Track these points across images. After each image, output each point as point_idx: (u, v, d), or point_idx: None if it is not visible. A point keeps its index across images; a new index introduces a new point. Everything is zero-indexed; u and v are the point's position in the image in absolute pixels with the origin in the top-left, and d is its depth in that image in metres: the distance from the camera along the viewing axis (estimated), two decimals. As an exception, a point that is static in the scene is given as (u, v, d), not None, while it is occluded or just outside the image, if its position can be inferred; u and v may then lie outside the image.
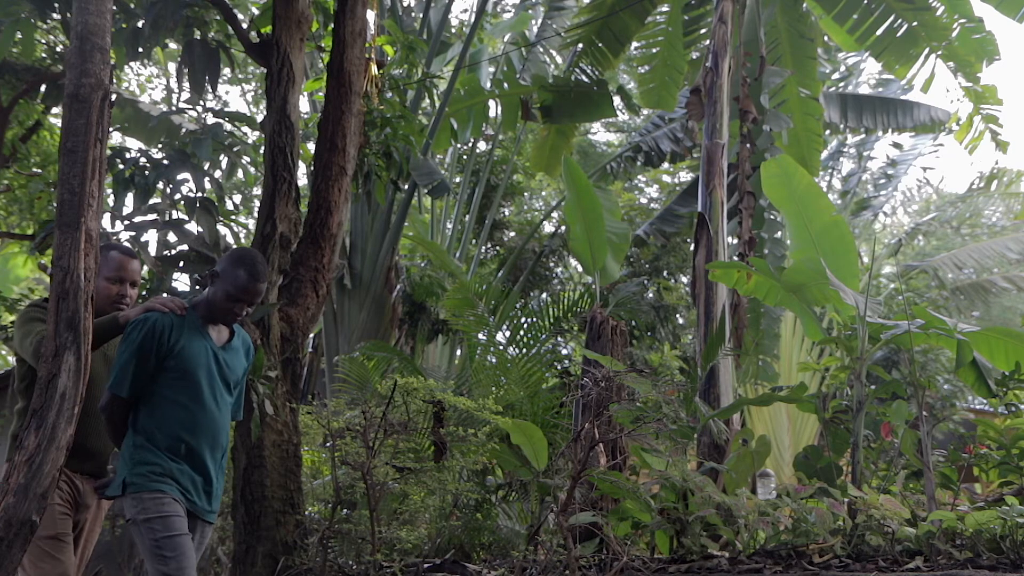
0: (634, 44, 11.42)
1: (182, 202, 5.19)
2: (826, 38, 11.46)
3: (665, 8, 10.66)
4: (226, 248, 5.28)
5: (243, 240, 15.27)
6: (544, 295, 15.19)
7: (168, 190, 5.19)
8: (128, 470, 3.13)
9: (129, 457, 3.15)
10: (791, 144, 10.27)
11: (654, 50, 10.84)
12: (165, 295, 3.39)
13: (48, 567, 3.23)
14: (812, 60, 10.38)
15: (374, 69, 6.66)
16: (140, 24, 6.29)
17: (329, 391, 9.13)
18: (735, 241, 9.53)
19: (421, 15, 13.02)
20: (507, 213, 17.22)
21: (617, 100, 13.42)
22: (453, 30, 14.69)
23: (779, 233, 9.62)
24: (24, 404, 3.37)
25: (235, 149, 5.67)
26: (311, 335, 8.58)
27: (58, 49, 8.93)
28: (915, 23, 9.86)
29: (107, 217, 4.92)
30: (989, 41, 9.80)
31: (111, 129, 5.45)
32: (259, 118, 6.98)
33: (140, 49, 6.47)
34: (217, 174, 5.84)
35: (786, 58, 10.33)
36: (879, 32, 10.06)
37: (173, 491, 3.11)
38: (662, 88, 10.94)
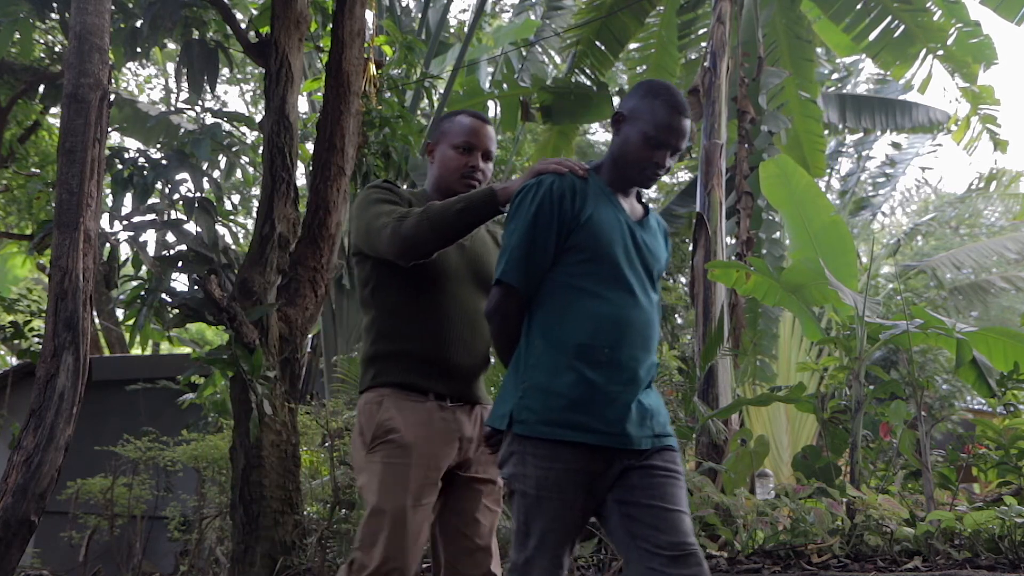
0: (631, 45, 11.43)
1: (181, 202, 5.19)
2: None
3: (660, 10, 10.66)
4: (225, 248, 5.28)
5: (242, 240, 15.28)
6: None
7: (167, 190, 5.19)
8: (516, 398, 2.27)
9: (521, 376, 2.29)
10: (791, 145, 10.28)
11: (649, 52, 10.85)
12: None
13: (383, 549, 2.43)
14: (810, 63, 10.39)
15: (373, 69, 6.66)
16: (138, 24, 6.30)
17: (328, 391, 9.13)
18: (733, 241, 9.54)
19: (420, 15, 13.02)
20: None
21: (617, 101, 13.41)
22: (452, 30, 14.68)
23: (777, 233, 9.62)
24: (371, 317, 2.63)
25: (234, 149, 5.67)
26: (310, 335, 8.59)
27: (56, 49, 8.93)
28: (911, 24, 9.87)
29: (105, 217, 4.92)
30: (987, 45, 9.81)
31: (109, 129, 5.45)
32: (258, 118, 6.98)
33: (139, 49, 6.48)
34: (216, 174, 5.84)
35: (784, 60, 10.33)
36: (876, 32, 10.07)
37: (578, 437, 2.22)
38: (653, 91, 10.93)
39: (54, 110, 9.78)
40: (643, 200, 2.51)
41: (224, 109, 8.58)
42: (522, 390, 2.27)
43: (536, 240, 2.30)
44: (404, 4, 13.28)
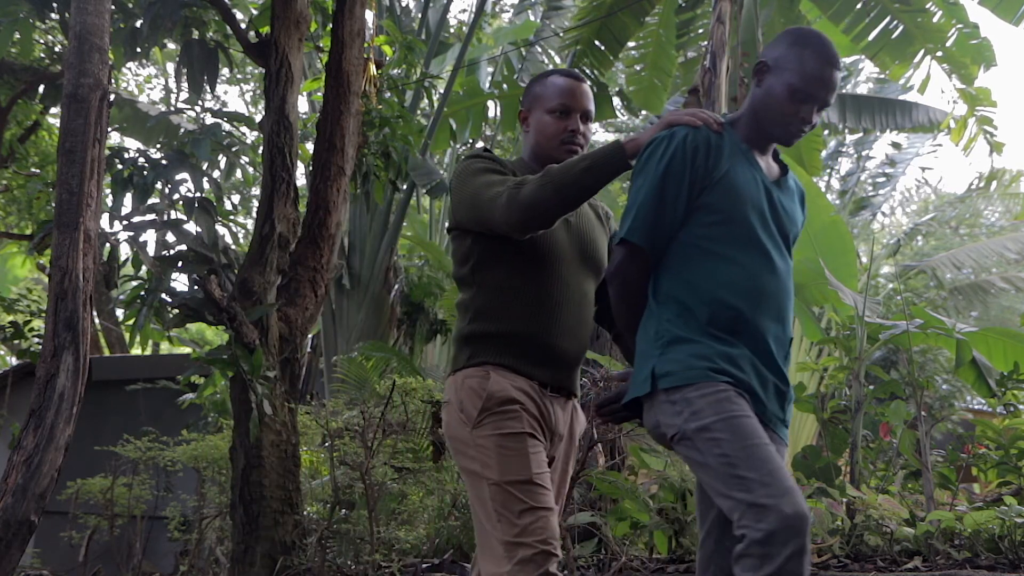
0: (629, 44, 11.43)
1: (181, 202, 5.19)
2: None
3: (657, 10, 10.67)
4: (225, 248, 5.28)
5: (242, 240, 15.27)
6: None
7: (167, 190, 5.18)
8: (657, 355, 2.08)
9: (654, 337, 2.11)
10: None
11: (646, 51, 10.85)
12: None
13: (528, 521, 2.18)
14: (808, 62, 10.39)
15: (373, 69, 6.66)
16: (138, 24, 6.29)
17: (328, 391, 9.13)
18: (733, 241, 9.53)
19: (420, 15, 13.02)
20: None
21: (616, 101, 13.43)
22: (452, 30, 14.68)
23: (777, 233, 9.62)
24: (470, 295, 2.42)
25: (234, 149, 5.67)
26: (309, 335, 8.59)
27: (56, 49, 8.92)
28: (911, 25, 9.87)
29: (105, 217, 4.92)
30: (986, 47, 9.81)
31: (109, 129, 5.44)
32: (257, 118, 6.98)
33: (138, 49, 6.48)
34: (216, 174, 5.84)
35: (783, 59, 10.33)
36: (875, 32, 10.07)
37: (732, 382, 2.04)
38: (650, 91, 10.94)
39: (54, 110, 9.77)
40: (780, 158, 2.31)
41: (224, 109, 8.58)
42: (660, 347, 2.09)
43: (666, 197, 2.11)
44: (404, 4, 13.28)
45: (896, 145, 16.55)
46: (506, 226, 2.26)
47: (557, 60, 13.83)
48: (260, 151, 5.80)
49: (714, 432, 1.95)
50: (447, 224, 2.53)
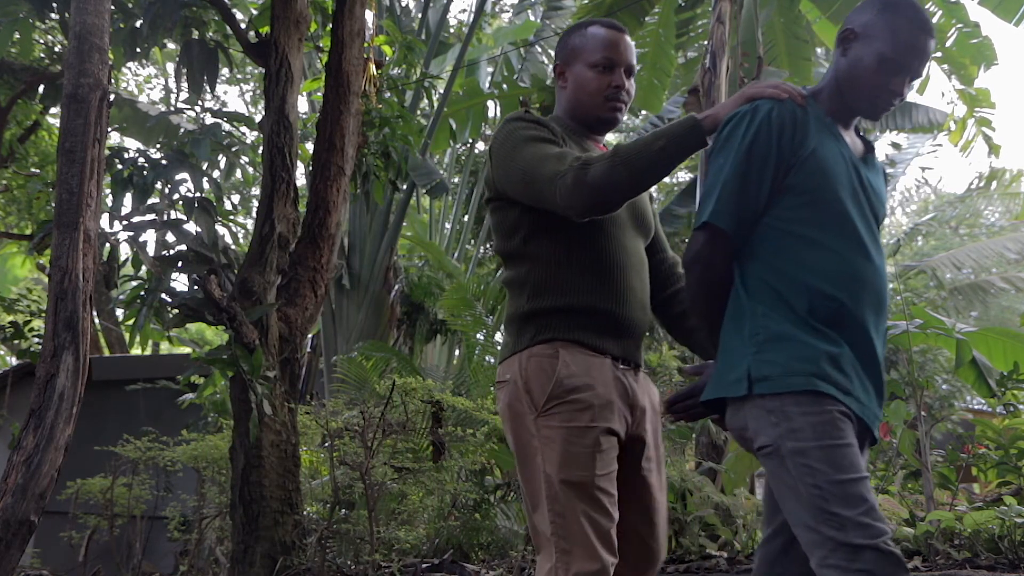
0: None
1: (180, 202, 5.19)
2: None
3: (657, 10, 10.67)
4: (225, 248, 5.28)
5: (242, 240, 15.28)
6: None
7: (166, 190, 5.19)
8: (752, 354, 1.88)
9: (749, 333, 1.91)
10: (788, 144, 10.28)
11: (645, 51, 10.86)
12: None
13: (585, 529, 2.02)
14: (808, 62, 10.40)
15: (372, 69, 6.67)
16: (138, 24, 6.29)
17: (327, 391, 9.14)
18: (733, 241, 9.52)
19: (420, 15, 13.03)
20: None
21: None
22: (452, 30, 14.70)
23: (777, 233, 9.61)
24: (524, 269, 2.21)
25: (233, 149, 5.67)
26: (309, 335, 8.59)
27: (56, 49, 8.93)
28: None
29: (105, 217, 4.92)
30: (987, 46, 9.81)
31: (109, 129, 5.45)
32: (257, 118, 6.98)
33: (138, 49, 6.48)
34: (215, 174, 5.84)
35: (782, 59, 10.34)
36: (876, 33, 10.07)
37: (836, 394, 1.83)
38: (650, 90, 10.94)
39: (54, 110, 9.77)
40: (862, 134, 2.12)
41: (224, 109, 8.58)
42: (756, 344, 1.88)
43: (750, 177, 1.92)
44: (404, 4, 13.28)
45: (896, 145, 16.55)
46: (568, 209, 2.08)
47: (557, 60, 13.81)
48: (260, 151, 5.81)
49: (810, 459, 1.78)
50: (485, 195, 2.34)
